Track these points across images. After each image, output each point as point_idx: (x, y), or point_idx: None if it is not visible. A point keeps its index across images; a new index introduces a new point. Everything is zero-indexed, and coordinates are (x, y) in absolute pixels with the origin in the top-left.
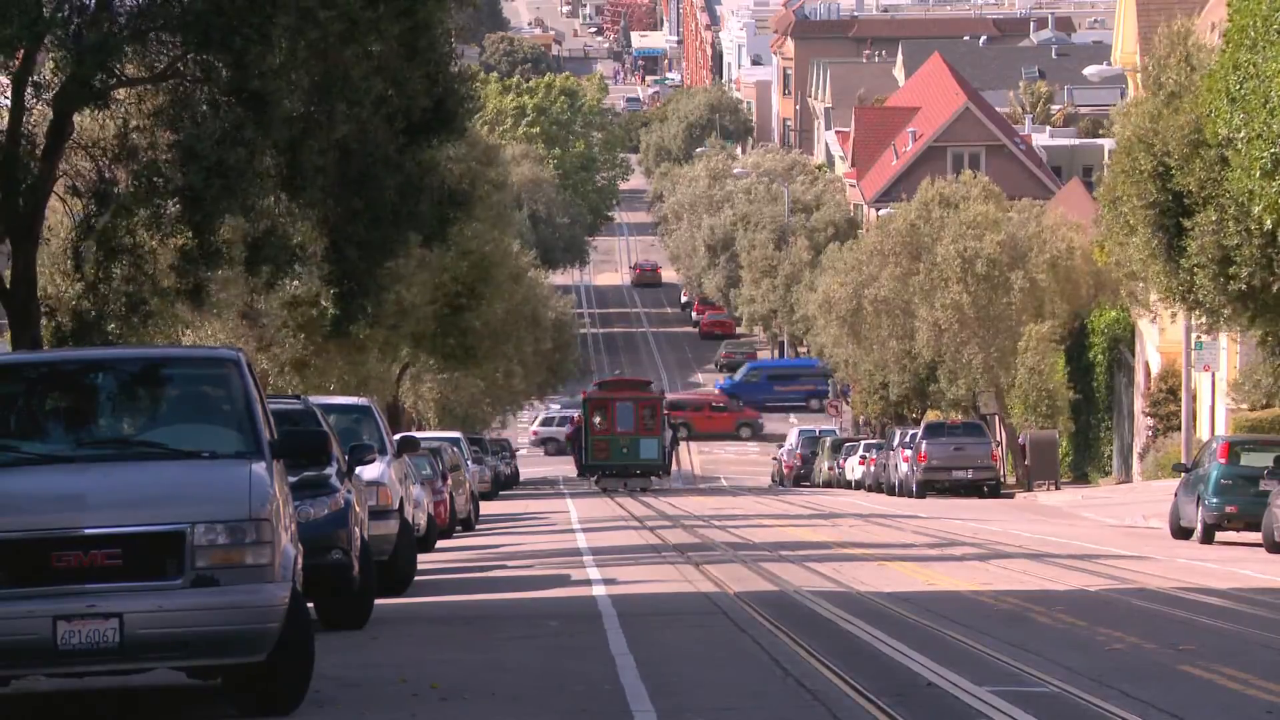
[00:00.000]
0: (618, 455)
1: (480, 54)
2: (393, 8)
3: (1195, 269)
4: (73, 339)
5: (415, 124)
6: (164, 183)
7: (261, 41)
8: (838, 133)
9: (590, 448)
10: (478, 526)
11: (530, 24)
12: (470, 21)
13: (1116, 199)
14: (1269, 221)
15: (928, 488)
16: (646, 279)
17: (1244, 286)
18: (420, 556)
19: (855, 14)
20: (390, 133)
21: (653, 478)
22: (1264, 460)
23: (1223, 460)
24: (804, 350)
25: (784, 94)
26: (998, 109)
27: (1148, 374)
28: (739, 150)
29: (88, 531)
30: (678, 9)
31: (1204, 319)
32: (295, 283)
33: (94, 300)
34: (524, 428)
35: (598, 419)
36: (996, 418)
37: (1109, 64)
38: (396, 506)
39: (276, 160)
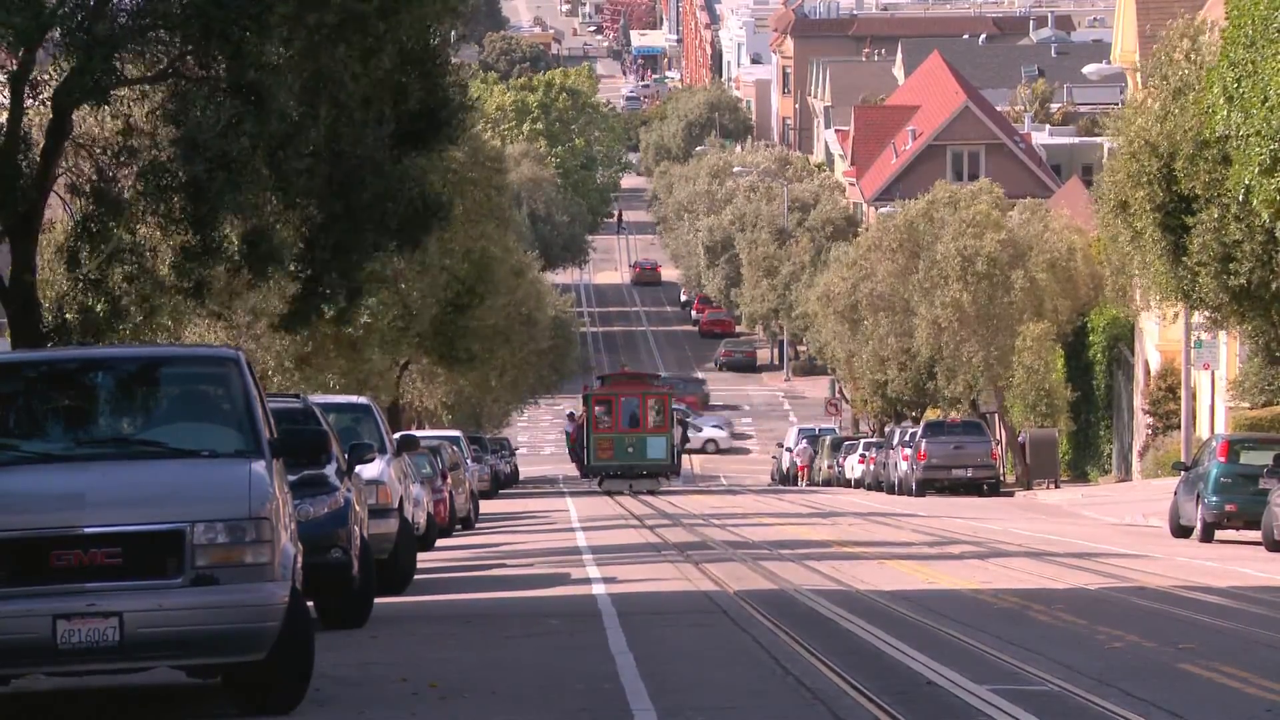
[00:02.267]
0: (623, 455)
1: (479, 53)
2: (389, 5)
3: (1198, 267)
4: (55, 336)
5: (405, 131)
6: (169, 179)
7: (259, 32)
8: (837, 131)
9: (593, 447)
10: (477, 525)
11: (530, 23)
12: (468, 20)
13: (1124, 203)
14: (1266, 216)
15: (927, 486)
16: (646, 278)
17: (1244, 283)
18: (420, 555)
19: (855, 13)
20: (378, 137)
21: (660, 479)
22: (1263, 459)
23: (1222, 459)
24: (803, 349)
25: (783, 93)
26: (997, 107)
27: (1147, 372)
28: (738, 148)
29: (87, 530)
30: (677, 8)
31: (1205, 318)
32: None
33: (92, 298)
34: (524, 426)
35: (601, 416)
36: (996, 416)
37: (1108, 62)
38: (396, 505)
39: (267, 159)
